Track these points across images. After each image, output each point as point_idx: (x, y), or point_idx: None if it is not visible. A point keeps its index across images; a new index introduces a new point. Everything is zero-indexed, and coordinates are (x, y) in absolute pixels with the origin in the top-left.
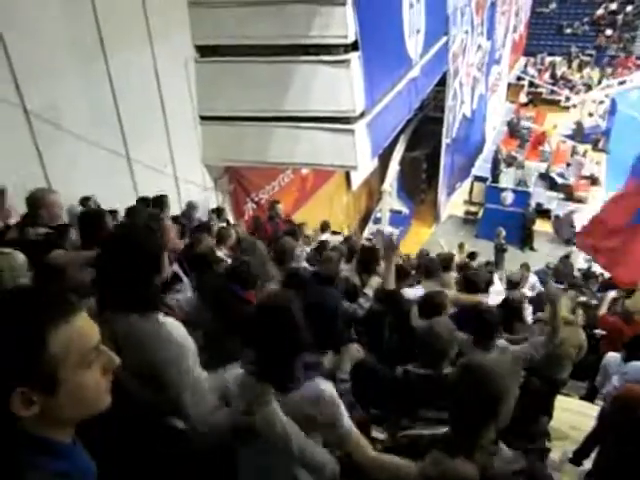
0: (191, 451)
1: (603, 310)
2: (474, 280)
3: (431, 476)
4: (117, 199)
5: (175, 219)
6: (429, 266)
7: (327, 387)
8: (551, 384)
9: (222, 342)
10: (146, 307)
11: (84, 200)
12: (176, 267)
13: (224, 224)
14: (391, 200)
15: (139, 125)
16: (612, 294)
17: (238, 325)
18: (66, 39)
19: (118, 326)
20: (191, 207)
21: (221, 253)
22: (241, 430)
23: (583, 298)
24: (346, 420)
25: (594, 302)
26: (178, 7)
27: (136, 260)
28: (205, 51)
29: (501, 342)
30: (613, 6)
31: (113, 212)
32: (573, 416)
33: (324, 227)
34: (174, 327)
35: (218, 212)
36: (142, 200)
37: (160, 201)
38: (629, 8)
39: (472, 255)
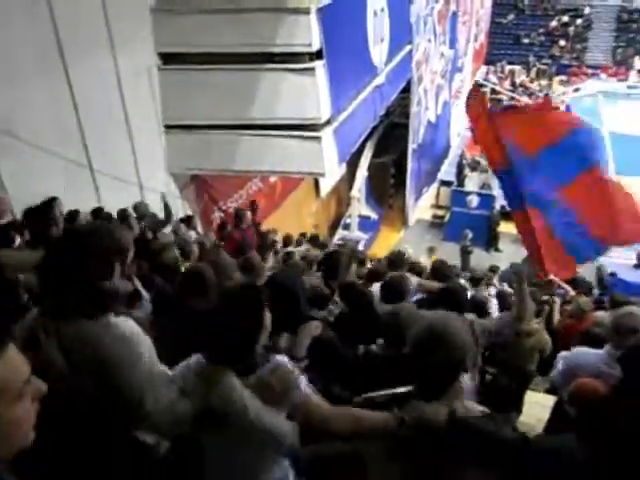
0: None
1: (557, 317)
2: (442, 268)
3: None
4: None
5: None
6: (394, 259)
7: (284, 360)
8: (521, 377)
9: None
10: (96, 311)
11: (47, 202)
12: (137, 283)
13: (193, 232)
14: (360, 206)
15: (101, 134)
16: (558, 301)
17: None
18: (25, 46)
19: (68, 334)
20: (142, 207)
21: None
22: (201, 414)
23: (544, 297)
24: (304, 387)
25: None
26: (140, 14)
27: (82, 261)
28: (168, 59)
29: (469, 315)
30: (565, 18)
31: (74, 212)
32: (539, 409)
33: (287, 241)
34: (126, 324)
35: (187, 221)
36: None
37: (124, 216)
38: (579, 21)
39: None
